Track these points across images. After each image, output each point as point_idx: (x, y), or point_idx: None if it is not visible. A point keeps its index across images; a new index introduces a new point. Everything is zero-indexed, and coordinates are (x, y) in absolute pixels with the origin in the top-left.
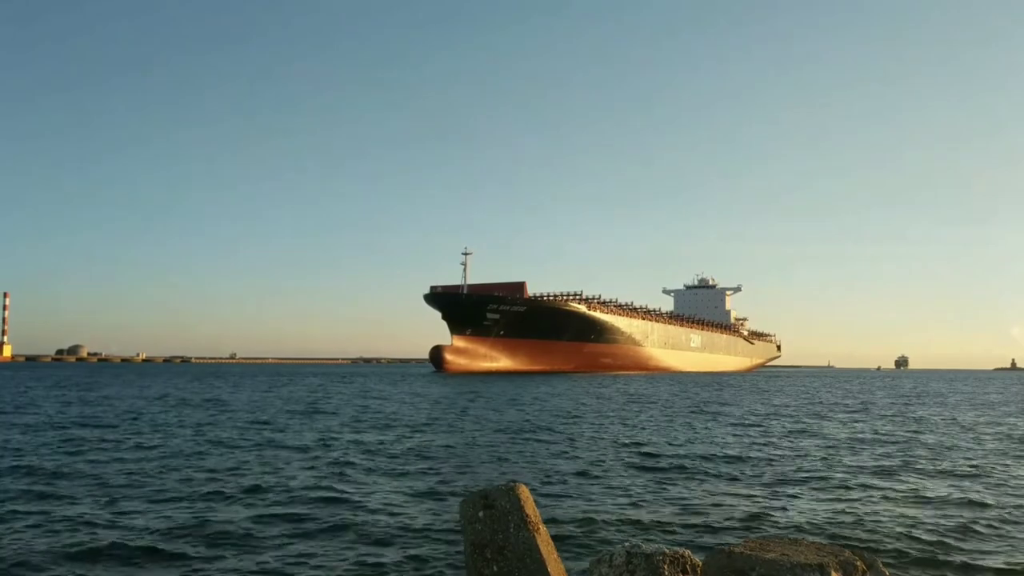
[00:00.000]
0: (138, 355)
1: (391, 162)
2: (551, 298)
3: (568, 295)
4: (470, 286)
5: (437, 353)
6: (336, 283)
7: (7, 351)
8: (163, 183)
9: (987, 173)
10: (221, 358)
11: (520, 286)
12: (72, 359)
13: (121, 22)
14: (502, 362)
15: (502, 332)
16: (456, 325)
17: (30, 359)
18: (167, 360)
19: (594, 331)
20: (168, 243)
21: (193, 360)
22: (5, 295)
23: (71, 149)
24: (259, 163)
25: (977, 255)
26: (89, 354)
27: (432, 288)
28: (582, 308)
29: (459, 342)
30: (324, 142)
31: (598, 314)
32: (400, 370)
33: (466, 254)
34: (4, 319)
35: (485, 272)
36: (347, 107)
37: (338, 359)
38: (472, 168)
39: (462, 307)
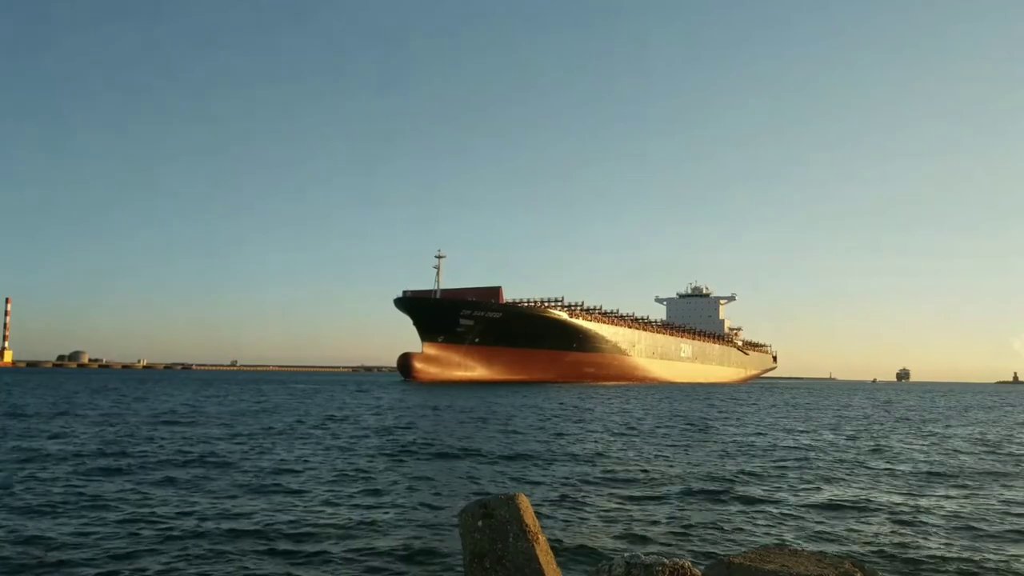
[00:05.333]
0: (139, 361)
1: (390, 167)
2: (529, 304)
3: (547, 301)
4: (443, 291)
5: (405, 361)
6: (339, 290)
7: (8, 356)
8: (165, 189)
9: (988, 185)
10: (222, 365)
11: (496, 291)
12: (73, 365)
13: (123, 24)
14: (477, 371)
15: (476, 339)
16: (427, 332)
17: (31, 364)
18: (168, 367)
19: (576, 339)
20: (169, 250)
21: (194, 367)
22: (7, 301)
23: (73, 154)
24: (261, 169)
25: (978, 267)
26: (90, 360)
27: (404, 293)
28: (563, 315)
29: (430, 350)
30: (326, 148)
31: (580, 321)
32: (387, 379)
33: (439, 257)
34: (5, 325)
35: (476, 279)
36: (343, 111)
37: (339, 367)
38: (463, 172)
39: (433, 313)
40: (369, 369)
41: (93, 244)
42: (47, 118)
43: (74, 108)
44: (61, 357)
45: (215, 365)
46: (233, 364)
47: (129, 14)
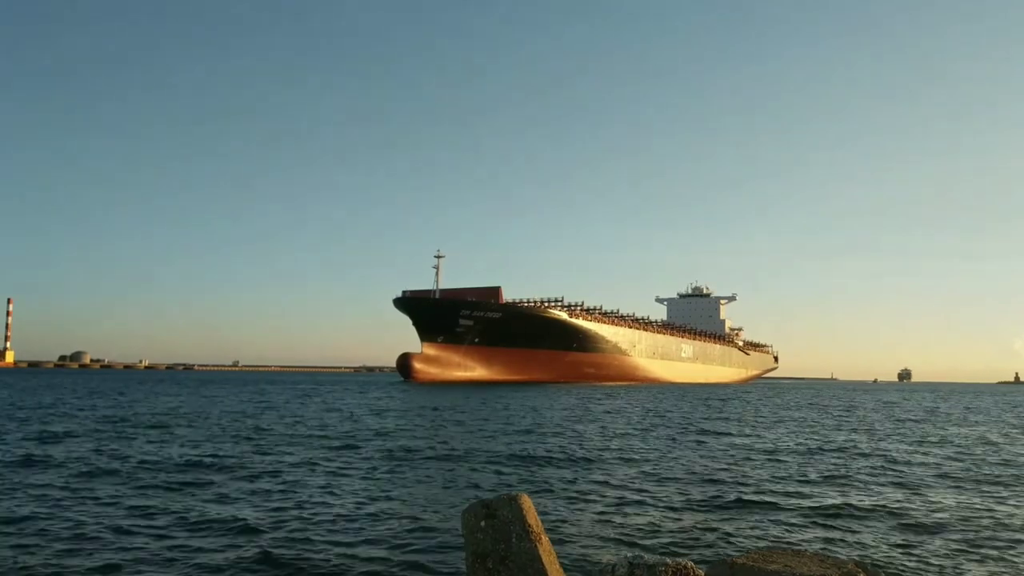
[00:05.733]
0: (141, 362)
1: (389, 168)
2: (529, 304)
3: (547, 301)
4: (442, 291)
5: (405, 361)
6: (339, 290)
7: (10, 357)
8: (165, 189)
9: (989, 185)
10: (224, 365)
11: (495, 291)
12: (75, 365)
13: (123, 23)
14: (477, 371)
15: (476, 340)
16: (426, 332)
17: (32, 365)
18: (169, 367)
19: (576, 339)
20: (169, 250)
21: (196, 367)
22: (8, 301)
23: (75, 156)
24: (261, 169)
25: (979, 267)
26: (92, 360)
27: (404, 293)
28: (563, 315)
29: (429, 350)
30: (326, 147)
31: (580, 321)
32: (387, 380)
33: (439, 257)
34: (7, 325)
35: (476, 279)
36: (343, 111)
37: (341, 367)
38: (463, 172)
39: (433, 313)
40: (371, 369)
41: (93, 244)
42: (47, 118)
43: (74, 108)
44: (63, 357)
45: (216, 365)
46: (235, 364)
47: (129, 14)
